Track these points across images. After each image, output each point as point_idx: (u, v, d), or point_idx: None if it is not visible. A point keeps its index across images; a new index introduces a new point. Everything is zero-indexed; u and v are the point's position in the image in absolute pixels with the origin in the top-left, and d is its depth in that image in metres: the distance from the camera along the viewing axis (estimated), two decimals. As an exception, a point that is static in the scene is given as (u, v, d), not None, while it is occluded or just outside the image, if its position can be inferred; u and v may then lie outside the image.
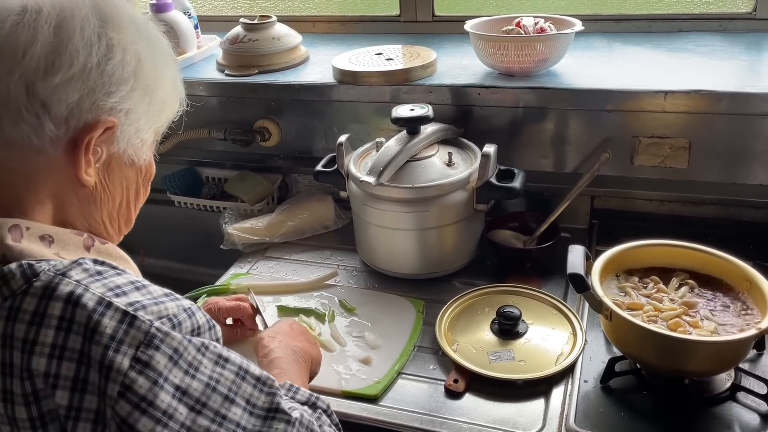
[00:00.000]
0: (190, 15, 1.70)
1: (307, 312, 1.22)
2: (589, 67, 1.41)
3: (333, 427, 0.79)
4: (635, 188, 1.38)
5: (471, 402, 1.01)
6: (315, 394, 0.82)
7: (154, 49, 0.73)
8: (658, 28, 1.57)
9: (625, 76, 1.33)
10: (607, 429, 0.93)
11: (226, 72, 1.58)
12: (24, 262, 0.62)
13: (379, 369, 1.08)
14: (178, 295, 0.67)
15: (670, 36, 1.55)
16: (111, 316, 0.60)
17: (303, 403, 0.79)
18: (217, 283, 1.34)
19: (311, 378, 1.00)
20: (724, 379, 0.98)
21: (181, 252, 1.74)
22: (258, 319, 1.15)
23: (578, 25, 1.35)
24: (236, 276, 1.37)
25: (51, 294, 0.60)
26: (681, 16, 1.56)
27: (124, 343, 0.59)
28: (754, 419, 0.93)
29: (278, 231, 1.45)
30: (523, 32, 1.39)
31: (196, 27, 1.72)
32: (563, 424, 0.95)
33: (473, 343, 1.10)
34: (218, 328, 0.70)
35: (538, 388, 1.02)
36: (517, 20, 1.42)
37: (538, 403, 0.99)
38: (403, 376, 1.07)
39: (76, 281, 0.61)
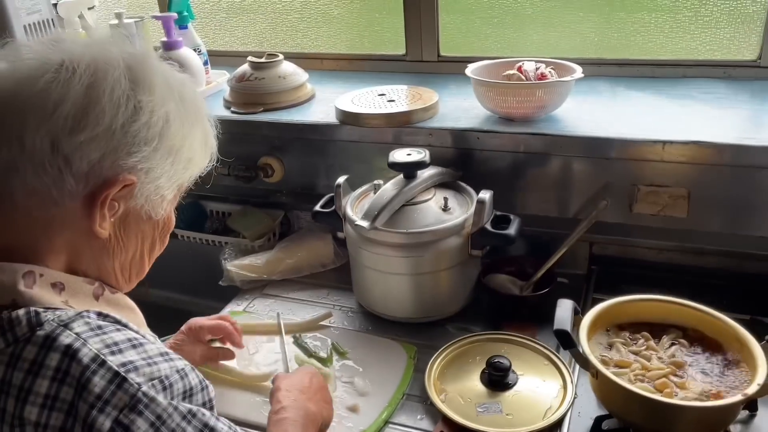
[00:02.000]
0: (200, 52, 1.74)
1: (309, 353, 1.22)
2: (590, 112, 1.41)
3: None
4: (634, 236, 1.37)
5: (456, 455, 1.00)
6: None
7: (185, 110, 0.75)
8: (663, 73, 1.57)
9: (625, 123, 1.33)
10: (591, 489, 0.92)
11: (232, 109, 1.61)
12: (32, 309, 0.64)
13: (366, 417, 1.07)
14: (173, 355, 0.68)
15: (674, 82, 1.54)
16: (102, 375, 0.61)
17: None
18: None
19: None
20: (714, 442, 0.96)
21: (185, 284, 1.75)
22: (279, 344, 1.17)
23: (578, 72, 1.35)
24: (233, 314, 1.37)
25: (51, 344, 0.62)
26: (685, 62, 1.55)
27: (110, 404, 0.61)
28: (742, 485, 0.91)
29: (276, 268, 1.47)
30: (524, 77, 1.39)
31: (205, 63, 1.76)
32: (547, 482, 0.93)
33: (462, 393, 1.09)
34: (211, 388, 0.71)
35: (524, 442, 1.01)
36: (518, 65, 1.43)
37: (524, 460, 0.98)
38: (391, 425, 1.07)
39: (77, 334, 0.63)
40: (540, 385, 1.10)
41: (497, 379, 1.09)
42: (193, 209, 1.71)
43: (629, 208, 1.33)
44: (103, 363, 0.62)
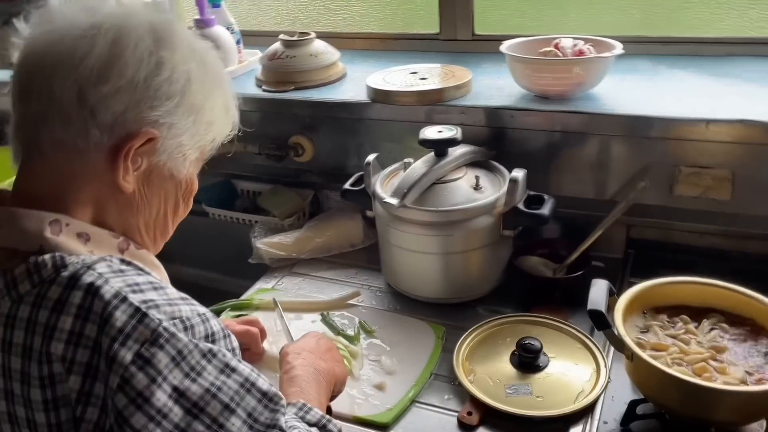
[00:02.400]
0: (233, 30, 1.73)
1: (336, 330, 1.21)
2: (630, 91, 1.36)
3: None
4: (674, 219, 1.32)
5: (484, 436, 0.98)
6: (327, 417, 0.82)
7: (206, 73, 0.78)
8: (707, 51, 1.51)
9: (666, 102, 1.28)
10: (623, 475, 0.89)
11: (263, 87, 1.60)
12: (57, 254, 0.66)
13: (392, 395, 1.06)
14: (194, 301, 0.70)
15: (719, 60, 1.48)
16: (123, 310, 0.63)
17: (313, 425, 0.79)
18: (243, 297, 1.35)
19: (335, 396, 0.98)
20: (755, 430, 0.92)
21: (216, 262, 1.76)
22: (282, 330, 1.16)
23: (618, 49, 1.31)
24: (262, 291, 1.38)
25: (74, 284, 0.64)
26: (732, 40, 1.48)
27: (131, 338, 0.62)
28: (785, 476, 0.87)
29: (306, 247, 1.46)
30: (561, 54, 1.35)
31: (238, 42, 1.75)
32: (578, 466, 0.91)
33: (491, 374, 1.07)
34: (233, 338, 0.71)
35: (554, 426, 0.98)
36: (555, 41, 1.39)
37: (554, 443, 0.96)
38: (417, 404, 1.05)
39: (99, 273, 0.65)
40: (572, 369, 1.07)
41: (528, 360, 1.06)
42: (223, 188, 1.71)
43: (670, 190, 1.28)
44: (124, 299, 0.63)
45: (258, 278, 1.44)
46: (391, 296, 1.33)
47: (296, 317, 1.27)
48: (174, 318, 0.64)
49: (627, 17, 1.58)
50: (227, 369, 0.67)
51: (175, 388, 0.63)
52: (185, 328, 0.65)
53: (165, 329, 0.63)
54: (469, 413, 1.00)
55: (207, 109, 0.78)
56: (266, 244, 1.45)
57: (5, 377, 0.65)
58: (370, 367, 1.12)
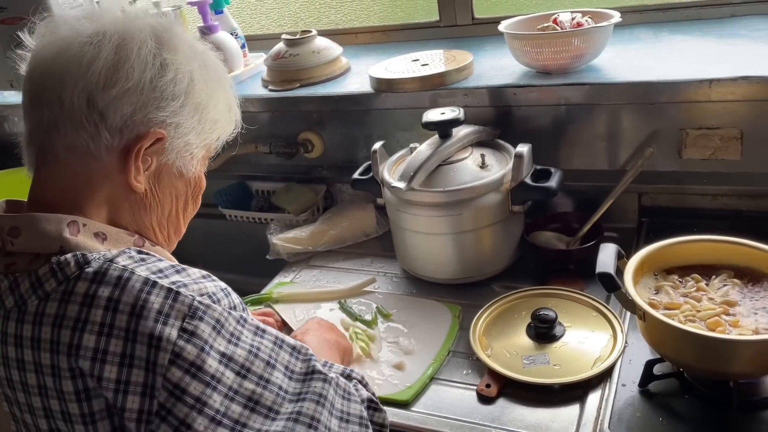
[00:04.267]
0: (237, 35, 1.76)
1: (353, 316, 1.23)
2: (631, 59, 1.36)
3: (370, 393, 0.83)
4: (685, 183, 1.31)
5: (503, 407, 0.99)
6: (349, 368, 0.85)
7: (208, 73, 0.80)
8: (709, 14, 1.49)
9: (669, 67, 1.27)
10: (643, 435, 0.89)
11: (269, 87, 1.63)
12: (78, 252, 0.69)
13: (411, 374, 1.07)
14: (214, 277, 0.73)
15: (721, 22, 1.46)
16: (157, 294, 0.66)
17: (339, 374, 0.82)
18: (263, 291, 1.37)
19: None
20: (775, 383, 0.91)
21: (235, 263, 1.79)
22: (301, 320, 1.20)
23: (616, 17, 1.30)
24: (281, 284, 1.40)
25: (101, 279, 0.67)
26: (733, 1, 1.47)
27: (171, 316, 0.65)
28: (808, 425, 0.86)
29: (321, 240, 1.48)
30: (559, 28, 1.35)
31: (243, 46, 1.78)
32: (597, 429, 0.91)
33: (508, 348, 1.07)
34: (248, 309, 0.75)
35: (573, 392, 0.98)
36: (554, 17, 1.39)
37: (573, 409, 0.96)
38: (436, 381, 1.06)
39: (123, 266, 0.68)
40: (589, 336, 1.07)
41: (543, 331, 1.07)
42: (238, 190, 1.74)
43: (678, 155, 1.28)
44: (155, 284, 0.67)
45: (276, 275, 1.46)
46: (407, 281, 1.34)
47: (315, 306, 1.29)
48: (202, 294, 0.68)
49: (625, -12, 1.57)
50: (259, 330, 0.72)
51: (222, 354, 0.67)
52: (213, 302, 0.68)
53: (200, 302, 0.67)
54: (488, 386, 1.01)
55: (211, 108, 0.80)
56: (282, 240, 1.48)
57: (37, 373, 0.68)
58: (389, 349, 1.14)
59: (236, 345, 0.68)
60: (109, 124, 0.72)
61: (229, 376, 0.67)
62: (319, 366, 0.75)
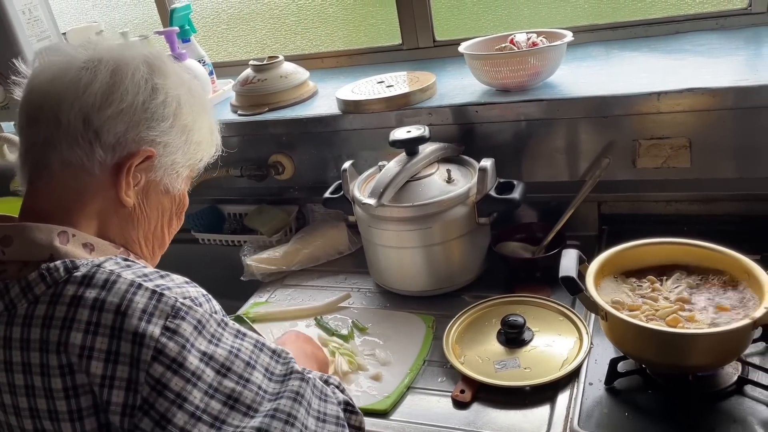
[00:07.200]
0: (204, 63, 1.80)
1: (330, 332, 1.26)
2: (585, 76, 1.43)
3: (347, 397, 0.85)
4: (641, 191, 1.38)
5: (477, 411, 1.02)
6: (326, 375, 0.89)
7: (194, 99, 0.87)
8: (655, 32, 1.58)
9: (620, 82, 1.35)
10: (610, 429, 0.93)
11: (239, 112, 1.66)
12: (67, 260, 0.73)
13: (389, 384, 1.10)
14: (196, 284, 0.77)
15: (667, 39, 1.55)
16: (142, 294, 0.70)
17: (317, 377, 0.85)
18: (239, 312, 1.39)
19: None
20: (731, 374, 0.97)
21: (209, 286, 1.73)
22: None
23: (569, 37, 1.38)
24: (256, 305, 1.42)
25: (89, 282, 0.70)
26: (677, 18, 1.56)
27: (155, 315, 0.69)
28: (762, 411, 0.91)
29: (294, 259, 1.51)
30: (516, 48, 1.42)
31: (211, 73, 1.82)
32: (567, 427, 0.95)
33: (480, 354, 1.11)
34: (227, 317, 0.78)
35: (543, 394, 1.02)
36: (510, 37, 1.46)
37: (544, 409, 1.00)
38: (413, 390, 1.10)
39: (110, 270, 0.72)
40: (556, 340, 1.12)
41: (513, 336, 1.11)
42: (210, 213, 1.76)
43: (633, 164, 1.35)
44: (140, 285, 0.70)
45: (251, 295, 1.48)
46: (381, 295, 1.37)
47: (291, 324, 1.31)
48: (185, 297, 0.72)
49: (576, 9, 1.66)
50: (239, 334, 0.75)
51: (203, 353, 0.70)
52: (196, 305, 0.72)
53: (182, 304, 0.70)
54: (462, 391, 1.05)
55: (196, 130, 0.86)
56: (256, 261, 1.50)
57: (25, 373, 0.70)
58: (366, 361, 1.17)
59: (217, 345, 0.71)
60: (103, 142, 0.77)
61: (209, 374, 0.70)
62: (297, 367, 0.79)
